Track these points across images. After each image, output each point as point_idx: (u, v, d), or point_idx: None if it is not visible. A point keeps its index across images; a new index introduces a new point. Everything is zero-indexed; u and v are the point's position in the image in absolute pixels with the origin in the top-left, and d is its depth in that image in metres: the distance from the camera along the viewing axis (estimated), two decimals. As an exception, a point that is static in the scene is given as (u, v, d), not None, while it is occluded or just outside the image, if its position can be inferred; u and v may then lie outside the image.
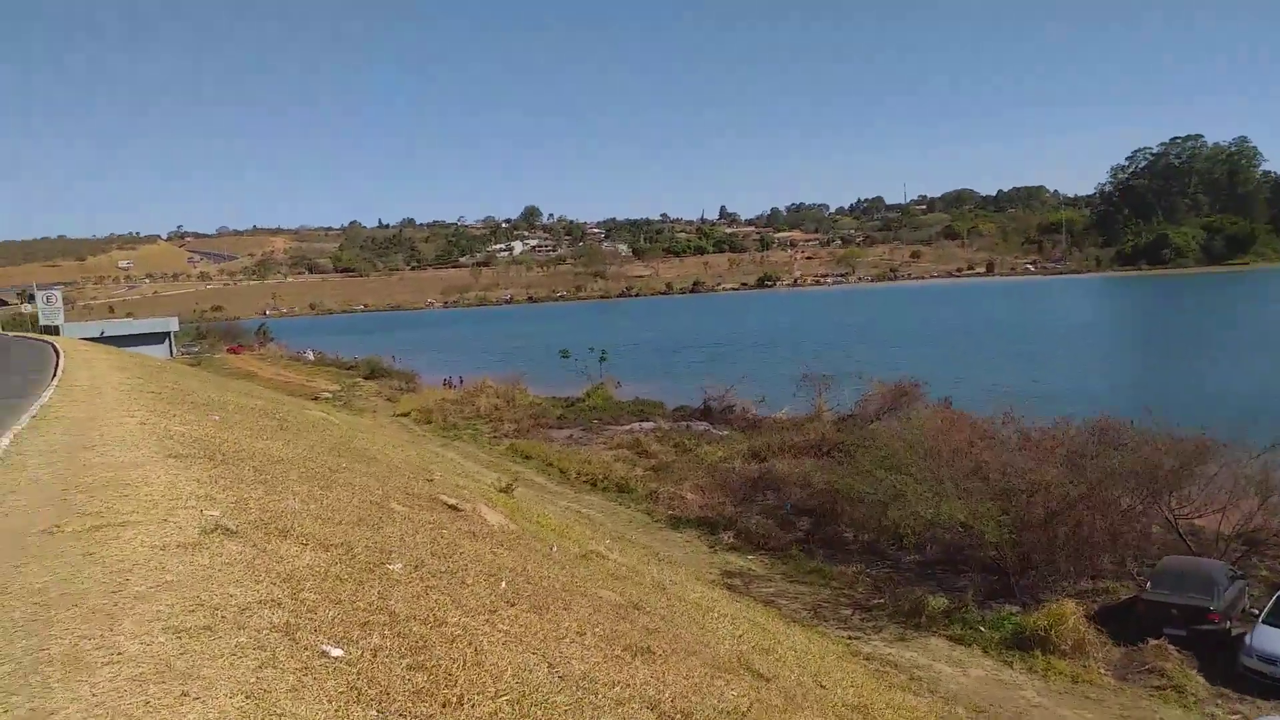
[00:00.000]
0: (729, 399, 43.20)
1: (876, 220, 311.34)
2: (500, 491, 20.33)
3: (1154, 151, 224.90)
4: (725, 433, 37.98)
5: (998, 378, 47.10)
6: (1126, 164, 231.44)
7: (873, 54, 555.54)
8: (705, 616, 11.62)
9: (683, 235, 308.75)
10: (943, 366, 52.92)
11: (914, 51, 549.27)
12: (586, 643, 6.17)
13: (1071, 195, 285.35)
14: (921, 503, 18.38)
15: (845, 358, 59.71)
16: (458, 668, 4.54)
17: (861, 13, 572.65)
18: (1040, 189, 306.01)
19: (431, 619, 5.26)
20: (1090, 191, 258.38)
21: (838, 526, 24.06)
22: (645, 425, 41.21)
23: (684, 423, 41.30)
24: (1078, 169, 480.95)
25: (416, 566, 6.52)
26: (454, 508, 11.41)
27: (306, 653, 4.22)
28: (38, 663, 3.94)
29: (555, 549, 12.01)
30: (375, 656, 4.39)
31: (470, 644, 4.99)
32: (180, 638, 4.21)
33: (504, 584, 6.97)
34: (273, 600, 4.86)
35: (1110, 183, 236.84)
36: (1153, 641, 16.40)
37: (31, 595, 4.87)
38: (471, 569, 7.20)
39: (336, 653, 4.29)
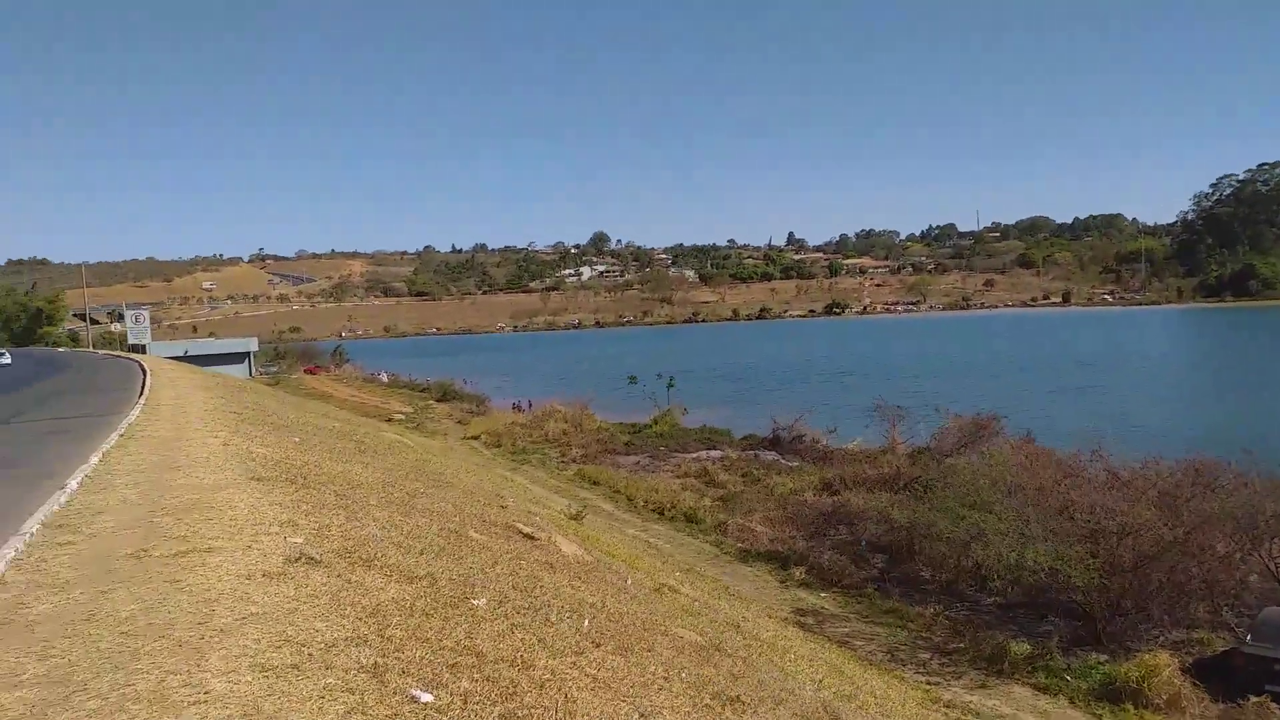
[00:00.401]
0: (799, 429, 42.51)
1: (948, 247, 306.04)
2: (570, 519, 20.20)
3: (1240, 178, 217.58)
4: (795, 464, 37.33)
5: (1080, 412, 45.59)
6: (1211, 191, 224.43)
7: (943, 79, 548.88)
8: (783, 658, 11.22)
9: (750, 261, 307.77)
10: (1022, 399, 51.42)
11: (986, 76, 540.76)
12: (674, 690, 5.90)
13: (1151, 224, 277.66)
14: (1006, 543, 17.64)
15: (918, 388, 58.54)
16: (550, 718, 4.31)
17: (931, 37, 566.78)
18: (1118, 217, 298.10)
19: (519, 661, 5.04)
20: (1171, 220, 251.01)
21: (914, 564, 23.32)
22: (713, 453, 40.79)
23: (752, 452, 40.76)
24: (1158, 197, 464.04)
25: (500, 601, 6.33)
26: (530, 536, 11.25)
27: (396, 697, 4.03)
28: (124, 700, 3.83)
29: (630, 581, 11.76)
30: (465, 703, 4.19)
31: (560, 690, 4.77)
32: (267, 677, 4.07)
33: (587, 622, 6.74)
34: (359, 637, 4.70)
35: (1193, 210, 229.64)
36: (1254, 698, 15.38)
37: (119, 624, 4.79)
38: (554, 604, 6.99)
39: (426, 698, 4.09)
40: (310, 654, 4.37)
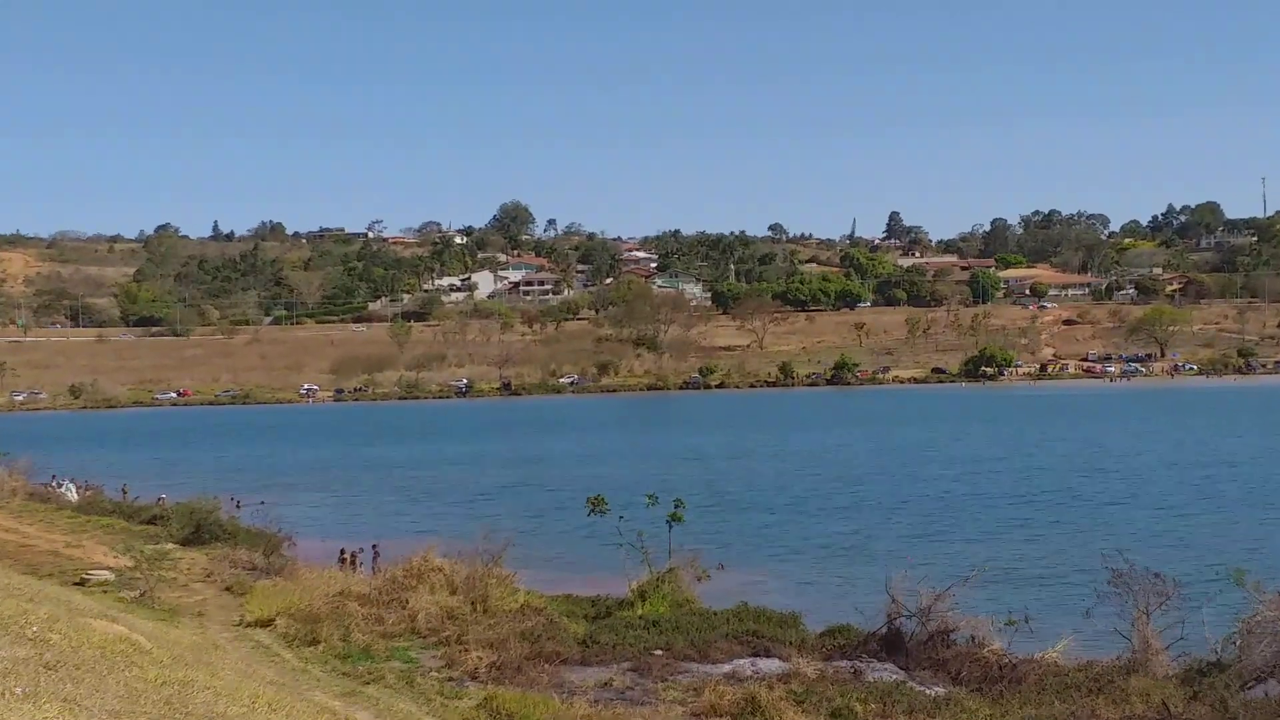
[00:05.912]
0: (941, 613, 41.54)
1: (1207, 248, 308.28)
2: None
3: None
4: (942, 689, 36.21)
5: None
6: None
7: None
8: None
9: (810, 266, 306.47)
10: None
11: None
12: None
13: None
14: None
15: (1180, 533, 57.93)
16: None
17: None
18: None
19: None
20: None
21: None
22: (767, 664, 39.68)
23: (848, 662, 39.70)
24: None
25: None
26: None
27: None
28: None
29: None
30: None
31: None
32: None
33: None
34: None
35: None
36: None
37: None
38: None
39: None
40: None
